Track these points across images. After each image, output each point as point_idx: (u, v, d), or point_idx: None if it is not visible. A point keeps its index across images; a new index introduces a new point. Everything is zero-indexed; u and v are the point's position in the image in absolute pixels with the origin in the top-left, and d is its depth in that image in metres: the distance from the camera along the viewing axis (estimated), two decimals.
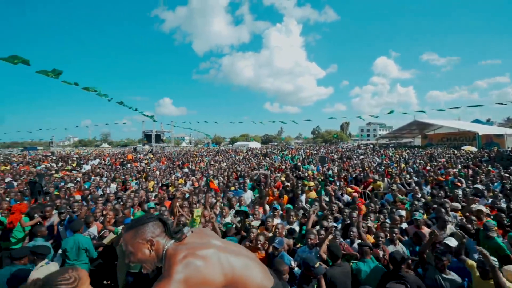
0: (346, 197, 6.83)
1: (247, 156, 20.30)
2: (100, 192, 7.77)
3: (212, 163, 16.16)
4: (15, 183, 9.04)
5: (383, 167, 12.07)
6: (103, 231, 4.44)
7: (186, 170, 12.52)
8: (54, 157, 20.86)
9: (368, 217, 4.68)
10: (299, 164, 13.91)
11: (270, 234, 3.94)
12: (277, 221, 4.68)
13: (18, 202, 5.86)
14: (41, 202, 5.74)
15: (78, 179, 9.76)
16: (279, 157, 19.46)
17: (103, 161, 17.16)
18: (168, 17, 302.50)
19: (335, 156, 19.06)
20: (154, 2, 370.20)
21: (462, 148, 23.73)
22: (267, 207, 5.69)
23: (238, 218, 4.96)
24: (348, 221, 4.45)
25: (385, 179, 9.10)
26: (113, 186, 8.66)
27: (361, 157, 18.54)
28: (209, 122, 47.53)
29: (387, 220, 4.68)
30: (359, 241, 3.78)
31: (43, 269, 2.80)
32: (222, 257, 1.24)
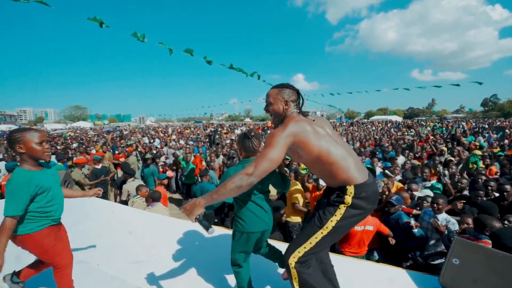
0: None
1: (386, 128, 18.17)
2: None
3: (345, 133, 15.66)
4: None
5: None
6: None
7: None
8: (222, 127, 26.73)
9: None
10: (458, 135, 11.14)
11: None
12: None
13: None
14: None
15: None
16: (429, 128, 16.22)
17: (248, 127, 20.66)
18: None
19: None
20: None
21: None
22: None
23: None
24: None
25: None
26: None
27: None
28: (342, 94, 44.71)
29: None
30: None
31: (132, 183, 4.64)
32: (327, 139, 1.49)
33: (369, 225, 2.88)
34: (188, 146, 9.69)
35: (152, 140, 13.35)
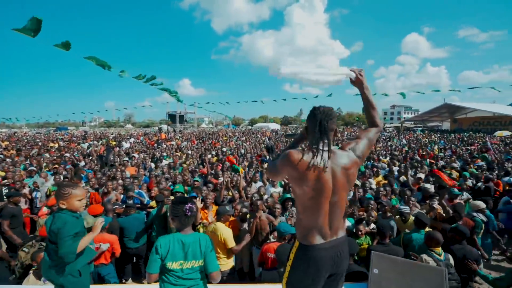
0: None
1: (274, 138, 20.69)
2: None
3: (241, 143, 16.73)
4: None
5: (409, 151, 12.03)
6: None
7: (225, 149, 13.15)
8: (91, 137, 22.33)
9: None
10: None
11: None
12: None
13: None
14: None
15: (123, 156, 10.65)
16: None
17: (137, 140, 18.28)
18: None
19: None
20: None
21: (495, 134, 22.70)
22: None
23: None
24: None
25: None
26: (165, 162, 9.46)
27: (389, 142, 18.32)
28: (231, 103, 47.64)
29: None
30: None
31: None
32: (323, 176, 1.46)
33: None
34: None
35: None
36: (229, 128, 48.44)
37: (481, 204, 4.34)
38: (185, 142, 17.44)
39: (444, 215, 4.00)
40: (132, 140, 17.75)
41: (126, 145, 15.23)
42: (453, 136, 20.68)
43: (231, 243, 3.36)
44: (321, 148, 1.49)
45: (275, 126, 48.91)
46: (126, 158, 9.38)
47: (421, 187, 5.63)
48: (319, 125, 1.50)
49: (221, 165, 8.20)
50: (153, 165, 8.93)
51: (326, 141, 1.50)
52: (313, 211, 1.51)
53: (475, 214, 4.20)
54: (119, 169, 7.17)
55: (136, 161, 9.27)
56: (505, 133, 22.01)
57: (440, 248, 3.01)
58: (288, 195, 4.80)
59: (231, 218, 3.95)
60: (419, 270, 2.57)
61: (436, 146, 14.47)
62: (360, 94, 1.75)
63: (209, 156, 10.90)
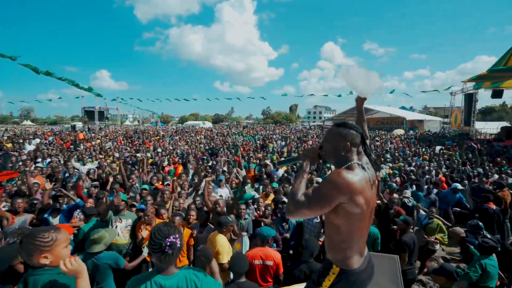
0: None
1: (210, 136, 20.24)
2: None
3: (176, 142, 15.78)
4: None
5: None
6: None
7: (159, 150, 12.09)
8: None
9: None
10: (267, 142, 14.73)
11: None
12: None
13: None
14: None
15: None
16: (240, 136, 19.96)
17: (45, 141, 15.10)
18: None
19: (292, 137, 20.39)
20: None
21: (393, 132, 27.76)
22: None
23: None
24: None
25: None
26: (87, 167, 8.00)
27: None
28: (161, 100, 44.30)
29: None
30: None
31: None
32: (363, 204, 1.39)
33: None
34: None
35: None
36: (158, 126, 45.12)
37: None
38: (110, 143, 15.42)
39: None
40: (37, 140, 14.62)
41: (29, 147, 12.46)
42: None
43: (224, 259, 3.03)
44: (365, 164, 1.47)
45: (208, 124, 48.08)
46: (39, 165, 7.54)
47: None
48: (363, 141, 1.47)
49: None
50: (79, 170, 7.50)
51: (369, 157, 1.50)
52: (361, 233, 1.47)
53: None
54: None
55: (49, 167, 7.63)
56: (400, 131, 27.12)
57: None
58: (251, 195, 4.80)
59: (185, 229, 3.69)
60: (374, 259, 2.91)
61: None
62: (357, 107, 1.91)
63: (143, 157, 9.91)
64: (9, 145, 13.38)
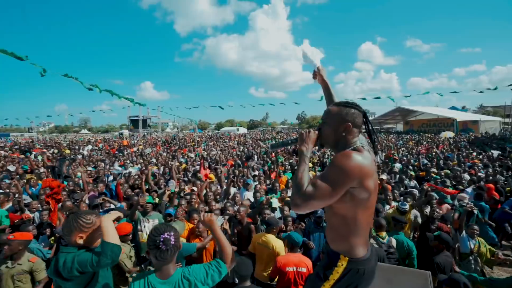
0: None
1: (243, 141, 20.53)
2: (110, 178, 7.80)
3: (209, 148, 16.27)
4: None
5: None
6: None
7: (192, 155, 12.60)
8: (39, 144, 20.01)
9: None
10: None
11: None
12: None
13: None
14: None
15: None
16: (273, 141, 19.89)
17: (96, 147, 16.75)
18: None
19: None
20: None
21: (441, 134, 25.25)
22: None
23: None
24: None
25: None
26: (134, 169, 8.77)
27: None
28: (199, 107, 46.55)
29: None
30: None
31: None
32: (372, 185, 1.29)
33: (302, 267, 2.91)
34: None
35: None
36: (195, 132, 47.21)
37: None
38: (149, 149, 16.50)
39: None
40: (89, 147, 16.26)
41: (83, 153, 13.90)
42: (408, 137, 22.61)
43: (283, 253, 3.23)
44: (366, 145, 1.36)
45: (243, 130, 48.92)
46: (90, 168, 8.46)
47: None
48: (367, 121, 1.37)
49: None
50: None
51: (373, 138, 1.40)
52: (369, 219, 1.36)
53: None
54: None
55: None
56: (449, 134, 24.59)
57: (384, 233, 3.45)
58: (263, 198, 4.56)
59: (191, 226, 3.72)
60: (404, 274, 2.63)
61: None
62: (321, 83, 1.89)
63: (177, 163, 10.39)
64: (67, 151, 15.11)
